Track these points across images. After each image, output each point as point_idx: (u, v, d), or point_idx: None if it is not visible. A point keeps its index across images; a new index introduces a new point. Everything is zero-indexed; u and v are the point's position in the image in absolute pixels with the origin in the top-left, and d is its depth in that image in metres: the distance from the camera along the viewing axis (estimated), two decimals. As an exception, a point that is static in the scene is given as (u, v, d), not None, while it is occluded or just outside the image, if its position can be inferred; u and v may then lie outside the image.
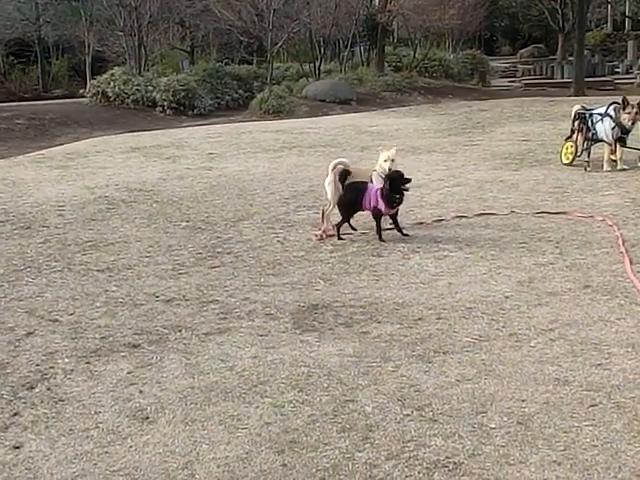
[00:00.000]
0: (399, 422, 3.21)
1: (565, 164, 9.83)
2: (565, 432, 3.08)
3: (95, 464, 3.01)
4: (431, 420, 3.22)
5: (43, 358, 4.13)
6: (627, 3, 41.10)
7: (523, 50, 41.38)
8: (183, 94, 20.54)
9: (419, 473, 2.82)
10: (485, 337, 4.15)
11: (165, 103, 20.47)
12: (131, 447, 3.13)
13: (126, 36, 23.66)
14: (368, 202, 6.29)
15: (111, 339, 4.37)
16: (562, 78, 32.76)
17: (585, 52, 34.88)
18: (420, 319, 4.49)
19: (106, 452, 3.10)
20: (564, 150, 10.02)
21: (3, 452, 3.14)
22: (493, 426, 3.14)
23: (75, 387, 3.74)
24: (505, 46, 47.26)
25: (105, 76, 22.15)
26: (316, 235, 6.56)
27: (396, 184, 6.22)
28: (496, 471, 2.82)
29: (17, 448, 3.17)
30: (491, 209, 7.36)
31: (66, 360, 4.09)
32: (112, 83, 21.57)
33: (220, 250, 6.32)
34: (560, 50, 35.80)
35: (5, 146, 14.73)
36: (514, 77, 36.50)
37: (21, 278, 5.72)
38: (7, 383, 3.82)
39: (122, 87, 21.33)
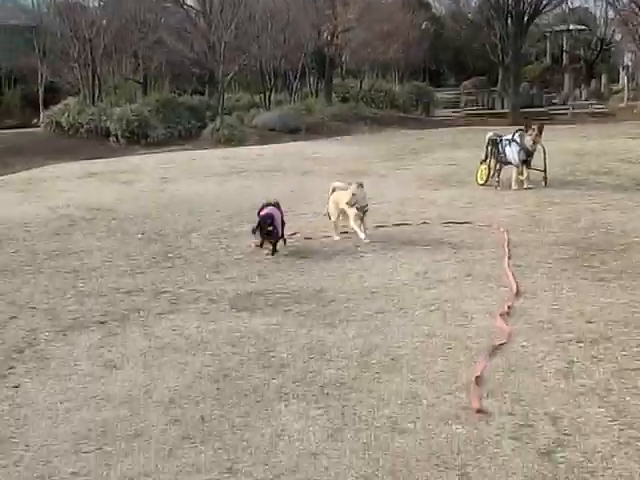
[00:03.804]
0: (305, 362, 4.33)
1: (480, 184, 11.14)
2: (423, 363, 4.23)
3: (77, 394, 4.04)
4: (329, 361, 4.34)
5: (27, 333, 5.12)
6: (565, 38, 43.39)
7: (466, 82, 43.25)
8: (136, 124, 21.25)
9: (315, 389, 3.93)
10: (381, 311, 5.29)
11: (119, 132, 21.15)
12: (103, 384, 4.17)
13: (80, 67, 24.36)
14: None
15: (82, 319, 5.39)
16: (502, 108, 34.54)
17: (525, 84, 36.98)
18: (333, 301, 5.62)
19: (85, 387, 4.13)
20: (479, 172, 11.35)
21: (6, 390, 4.15)
22: (373, 362, 4.28)
23: (56, 350, 4.75)
24: (451, 78, 49.20)
25: (59, 106, 22.80)
26: (255, 243, 7.63)
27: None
28: (370, 386, 3.95)
29: (16, 387, 4.18)
30: (408, 221, 8.55)
31: (46, 333, 5.09)
32: (66, 113, 22.19)
33: (171, 255, 7.37)
34: (500, 82, 37.63)
35: (-40, 174, 15.37)
36: (457, 108, 38.21)
37: (-1, 279, 6.68)
38: (1, 349, 4.81)
39: (76, 117, 21.97)
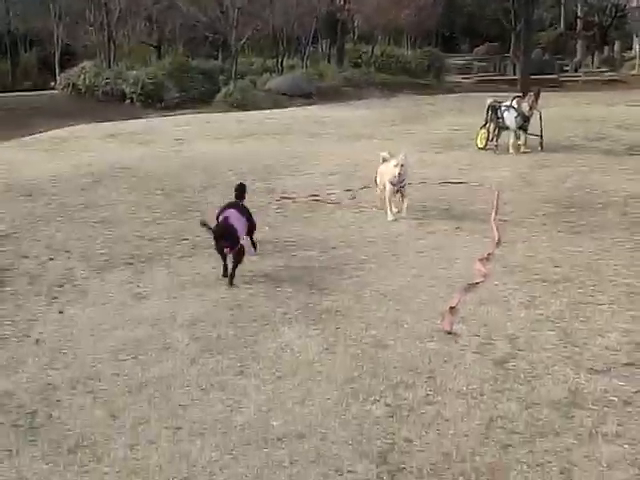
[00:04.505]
0: (306, 294, 5.06)
1: (480, 148, 11.75)
2: (408, 297, 4.94)
3: (113, 318, 4.78)
4: (327, 294, 5.06)
5: (65, 272, 5.85)
6: (579, 5, 43.27)
7: (478, 48, 43.42)
8: (152, 87, 21.82)
9: (314, 316, 4.66)
10: (376, 256, 5.99)
11: (134, 95, 21.73)
12: (135, 310, 4.90)
13: (96, 31, 24.94)
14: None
15: (112, 261, 6.12)
16: (514, 75, 34.64)
17: (537, 50, 37.11)
18: (334, 247, 6.32)
19: (119, 313, 4.87)
20: (479, 136, 11.95)
21: (53, 314, 4.90)
22: (366, 295, 4.99)
23: (92, 285, 5.49)
24: (464, 44, 49.24)
25: (76, 69, 23.33)
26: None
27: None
28: (361, 314, 4.67)
29: (61, 313, 4.92)
30: (408, 180, 9.17)
31: (82, 272, 5.82)
32: (83, 76, 22.76)
33: (190, 209, 8.06)
34: (513, 48, 37.76)
35: (-14, 134, 16.06)
36: (470, 74, 38.41)
37: (36, 227, 7.39)
38: (44, 284, 5.55)
39: (92, 80, 22.54)
